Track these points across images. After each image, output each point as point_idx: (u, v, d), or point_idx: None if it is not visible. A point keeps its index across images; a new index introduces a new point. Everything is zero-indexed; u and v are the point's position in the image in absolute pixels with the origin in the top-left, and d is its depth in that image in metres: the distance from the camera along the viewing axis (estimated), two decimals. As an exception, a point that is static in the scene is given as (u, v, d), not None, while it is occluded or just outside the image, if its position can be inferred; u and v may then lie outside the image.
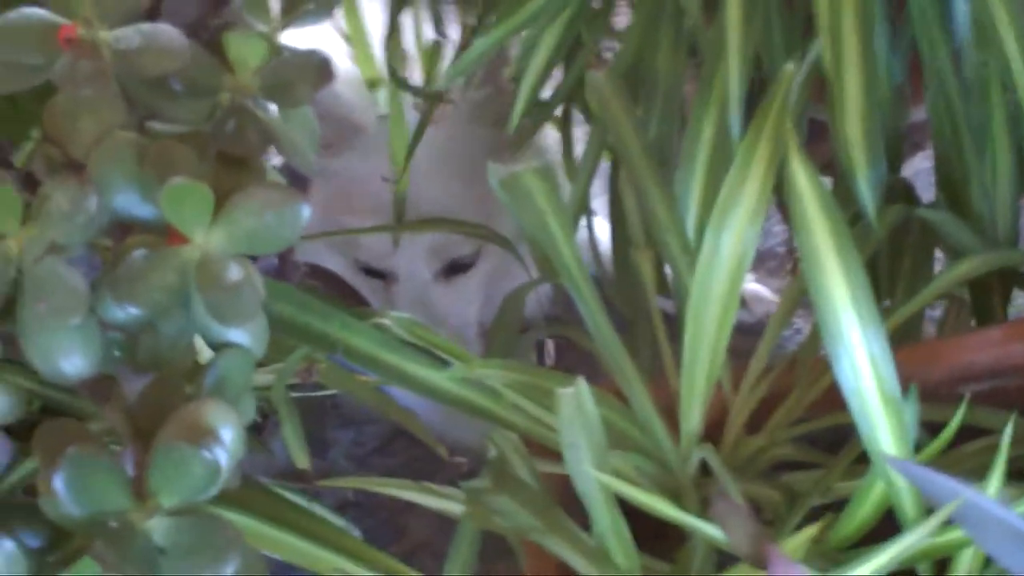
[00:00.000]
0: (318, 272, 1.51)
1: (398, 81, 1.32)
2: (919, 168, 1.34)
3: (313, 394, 1.01)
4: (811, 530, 0.81)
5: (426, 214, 1.40)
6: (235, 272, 0.66)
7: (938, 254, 1.10)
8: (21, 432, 0.89)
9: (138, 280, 0.65)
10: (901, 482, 0.81)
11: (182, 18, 0.75)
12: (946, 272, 1.01)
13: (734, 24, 0.94)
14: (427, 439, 0.96)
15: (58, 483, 0.63)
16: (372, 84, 1.44)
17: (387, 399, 0.97)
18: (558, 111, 1.26)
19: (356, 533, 0.88)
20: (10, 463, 0.91)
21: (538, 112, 1.17)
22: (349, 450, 1.56)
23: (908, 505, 0.81)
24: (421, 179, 1.38)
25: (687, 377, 0.88)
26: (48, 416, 0.74)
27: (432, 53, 1.34)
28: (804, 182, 0.83)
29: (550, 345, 1.56)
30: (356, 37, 1.39)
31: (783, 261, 1.67)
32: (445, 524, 0.92)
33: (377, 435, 1.57)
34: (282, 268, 1.07)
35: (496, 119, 1.35)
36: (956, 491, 0.75)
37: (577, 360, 1.53)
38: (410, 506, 0.94)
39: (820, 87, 1.00)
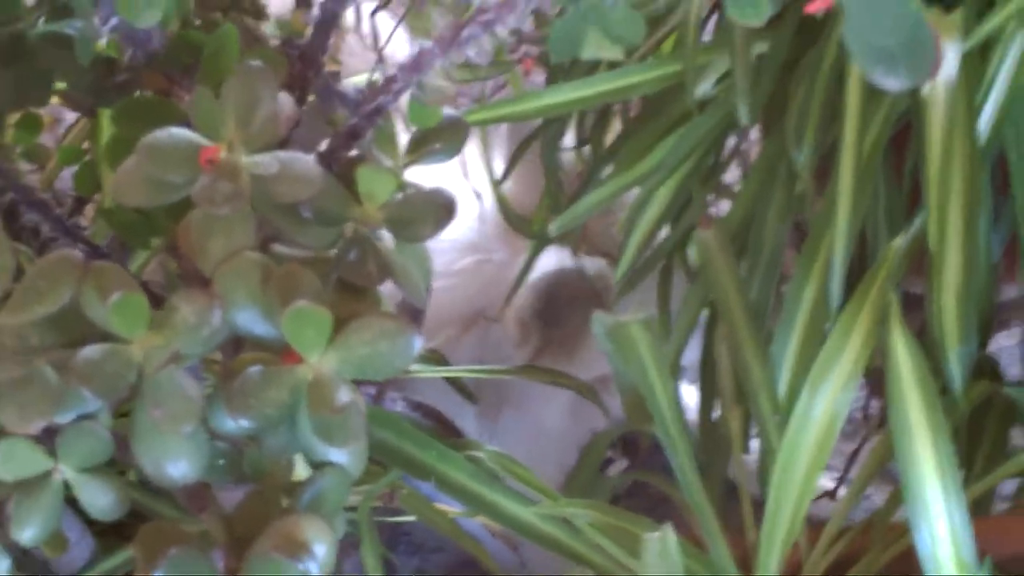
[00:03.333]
0: (421, 407, 1.53)
1: (512, 220, 1.34)
2: (1002, 346, 1.34)
3: (387, 519, 1.02)
4: None
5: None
6: (344, 395, 0.68)
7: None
8: (101, 531, 0.92)
9: (253, 394, 0.68)
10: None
11: (314, 148, 0.78)
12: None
13: (845, 194, 0.95)
14: (497, 572, 0.98)
15: (157, 582, 0.65)
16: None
17: (461, 530, 0.99)
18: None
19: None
20: (92, 559, 0.94)
21: (639, 269, 1.18)
22: (413, 578, 1.57)
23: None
24: None
25: (767, 533, 0.90)
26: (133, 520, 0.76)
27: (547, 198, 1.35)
28: (903, 353, 0.85)
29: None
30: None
31: (859, 426, 1.67)
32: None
33: (442, 564, 1.57)
34: (377, 396, 1.09)
35: None
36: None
37: (645, 506, 1.54)
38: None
39: (916, 260, 1.01)
